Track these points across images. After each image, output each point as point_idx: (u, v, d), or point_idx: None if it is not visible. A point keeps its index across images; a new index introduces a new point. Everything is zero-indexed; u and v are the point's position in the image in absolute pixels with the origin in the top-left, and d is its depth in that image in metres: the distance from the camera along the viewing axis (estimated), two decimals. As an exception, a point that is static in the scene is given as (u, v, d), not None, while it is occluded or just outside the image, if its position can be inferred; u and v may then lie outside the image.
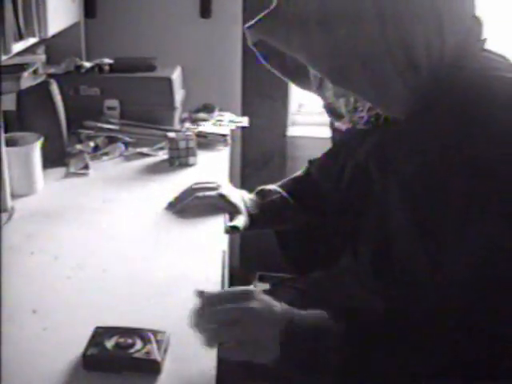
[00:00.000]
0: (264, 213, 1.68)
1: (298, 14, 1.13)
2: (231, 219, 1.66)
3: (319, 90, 1.26)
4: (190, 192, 1.75)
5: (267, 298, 1.14)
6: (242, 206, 1.67)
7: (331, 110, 1.27)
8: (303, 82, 1.34)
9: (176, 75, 2.41)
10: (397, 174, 1.19)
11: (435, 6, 1.14)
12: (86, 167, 2.06)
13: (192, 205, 1.71)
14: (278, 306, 1.14)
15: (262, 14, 1.19)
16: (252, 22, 1.21)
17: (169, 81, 2.34)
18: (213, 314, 1.12)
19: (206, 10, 2.87)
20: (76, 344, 1.16)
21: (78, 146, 2.16)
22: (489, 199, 1.05)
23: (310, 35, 1.12)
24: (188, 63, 2.68)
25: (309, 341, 1.10)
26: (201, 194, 1.72)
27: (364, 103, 1.21)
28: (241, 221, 1.61)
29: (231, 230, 1.60)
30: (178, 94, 2.42)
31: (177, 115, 2.39)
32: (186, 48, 2.87)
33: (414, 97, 1.15)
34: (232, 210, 1.67)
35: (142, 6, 2.87)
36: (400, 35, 1.11)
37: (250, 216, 1.66)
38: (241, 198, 1.70)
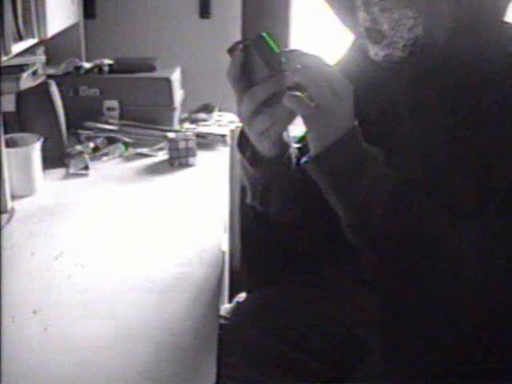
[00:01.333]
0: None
1: None
2: None
3: (366, 5, 1.25)
4: None
5: None
6: None
7: (371, 32, 1.26)
8: (346, 7, 1.34)
9: (175, 76, 2.41)
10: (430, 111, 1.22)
11: None
12: (86, 168, 2.06)
13: None
14: None
15: None
16: None
17: (168, 81, 2.34)
18: None
19: (205, 11, 2.88)
20: (77, 344, 1.16)
21: (78, 147, 2.16)
22: None
23: None
24: (187, 63, 2.68)
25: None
26: None
27: (407, 21, 1.22)
28: None
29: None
30: (178, 95, 2.42)
31: (176, 115, 2.39)
32: (186, 48, 2.88)
33: (454, 22, 1.19)
34: None
35: (141, 6, 2.87)
36: None
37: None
38: None
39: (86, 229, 1.67)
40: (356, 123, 1.14)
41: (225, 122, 2.44)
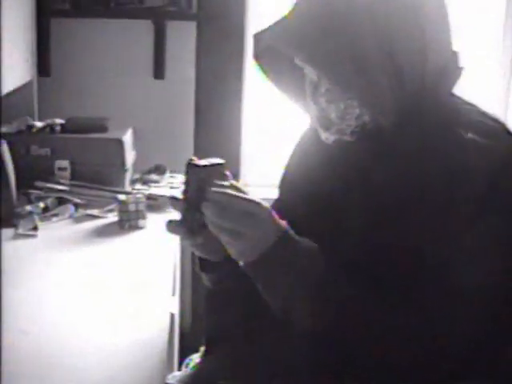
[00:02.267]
0: None
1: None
2: None
3: (313, 96, 1.31)
4: None
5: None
6: None
7: (320, 119, 1.31)
8: (297, 95, 1.40)
9: (127, 137, 2.42)
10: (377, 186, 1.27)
11: (420, 23, 1.24)
12: (35, 228, 2.04)
13: None
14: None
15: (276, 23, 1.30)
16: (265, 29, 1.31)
17: (120, 142, 2.35)
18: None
19: (159, 71, 2.90)
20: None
21: (28, 207, 2.15)
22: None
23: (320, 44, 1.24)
24: (140, 124, 2.69)
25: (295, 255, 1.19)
26: None
27: (353, 111, 1.27)
28: None
29: None
30: (129, 156, 2.43)
31: (127, 176, 2.40)
32: (139, 108, 2.89)
33: (398, 107, 1.23)
34: None
35: (96, 65, 2.88)
36: (389, 45, 1.22)
37: None
38: None
39: (33, 293, 1.65)
40: (285, 230, 1.21)
41: (176, 183, 2.45)
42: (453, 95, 1.32)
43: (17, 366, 1.33)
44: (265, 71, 1.39)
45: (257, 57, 1.37)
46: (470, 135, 1.22)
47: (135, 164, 2.52)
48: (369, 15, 1.22)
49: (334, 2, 1.24)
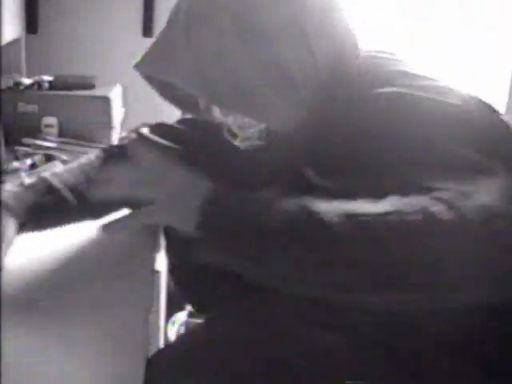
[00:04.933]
0: None
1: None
2: None
3: (208, 112, 1.30)
4: None
5: None
6: None
7: (225, 129, 1.30)
8: (194, 110, 1.39)
9: (114, 94, 2.42)
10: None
11: (298, 21, 1.18)
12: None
13: None
14: None
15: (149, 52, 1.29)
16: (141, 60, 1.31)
17: (106, 99, 2.35)
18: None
19: (148, 29, 2.89)
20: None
21: (15, 164, 2.15)
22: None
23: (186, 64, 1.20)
24: (129, 82, 2.67)
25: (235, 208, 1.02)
26: None
27: (249, 121, 1.25)
28: None
29: None
30: (117, 113, 2.42)
31: (115, 134, 2.40)
32: (128, 66, 2.86)
33: (299, 112, 1.18)
34: None
35: (84, 23, 2.87)
36: (267, 52, 1.16)
37: None
38: None
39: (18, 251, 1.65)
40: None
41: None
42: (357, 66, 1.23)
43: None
44: (160, 91, 1.41)
45: (147, 79, 1.38)
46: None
47: (124, 122, 2.51)
48: (236, 29, 1.17)
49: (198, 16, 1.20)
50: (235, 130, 1.28)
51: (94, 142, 2.33)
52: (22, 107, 2.34)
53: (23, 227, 1.46)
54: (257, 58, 1.16)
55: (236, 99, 1.17)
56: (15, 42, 2.63)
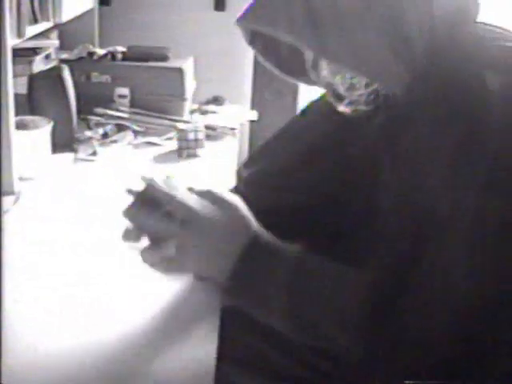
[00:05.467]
0: None
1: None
2: None
3: (315, 71, 1.23)
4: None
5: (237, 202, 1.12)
6: None
7: (330, 93, 1.24)
8: (299, 73, 1.32)
9: (188, 66, 2.41)
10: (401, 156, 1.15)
11: None
12: (94, 154, 2.06)
13: None
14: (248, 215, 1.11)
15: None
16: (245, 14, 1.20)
17: (181, 71, 2.35)
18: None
19: (220, 3, 2.88)
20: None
21: (87, 133, 2.16)
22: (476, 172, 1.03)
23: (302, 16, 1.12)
24: (200, 55, 2.68)
25: (266, 266, 1.07)
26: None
27: (360, 79, 1.19)
28: None
29: None
30: (189, 85, 2.42)
31: (187, 106, 2.40)
32: (199, 40, 2.88)
33: (409, 72, 1.13)
34: None
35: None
36: (390, 8, 1.11)
37: None
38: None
39: (92, 214, 1.67)
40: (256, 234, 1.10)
41: (234, 114, 2.44)
42: (474, 33, 1.18)
43: (65, 287, 1.36)
44: (263, 54, 1.31)
45: (250, 42, 1.28)
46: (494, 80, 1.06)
47: (194, 94, 2.51)
48: None
49: None
50: (342, 91, 1.21)
51: (165, 113, 2.33)
52: (96, 77, 2.35)
53: None
54: (378, 12, 1.11)
55: (349, 53, 1.11)
56: (89, 13, 2.65)
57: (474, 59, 1.12)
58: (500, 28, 1.20)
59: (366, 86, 1.18)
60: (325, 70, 1.21)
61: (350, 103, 1.22)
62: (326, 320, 1.07)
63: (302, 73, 1.30)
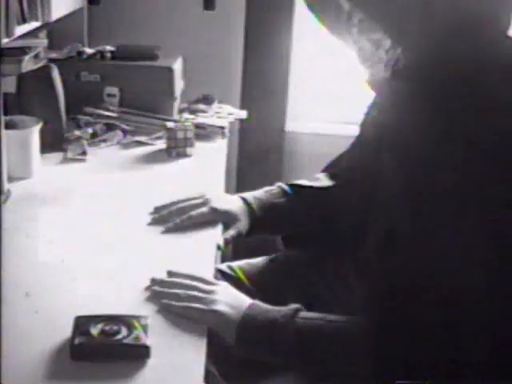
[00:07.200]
0: (267, 217, 1.67)
1: None
2: (226, 228, 1.63)
3: (347, 26, 1.31)
4: (177, 211, 1.65)
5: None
6: (238, 212, 1.63)
7: (357, 53, 1.32)
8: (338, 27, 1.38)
9: (177, 65, 2.41)
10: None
11: None
12: (84, 153, 2.06)
13: (186, 225, 1.62)
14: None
15: None
16: None
17: (170, 70, 2.35)
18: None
19: (209, 2, 2.87)
20: (66, 328, 1.17)
21: (77, 132, 2.16)
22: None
23: None
24: (189, 54, 2.67)
25: (264, 334, 1.26)
26: (194, 212, 1.63)
27: (384, 42, 1.26)
28: (228, 233, 1.59)
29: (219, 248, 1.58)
30: (179, 84, 2.42)
31: (176, 105, 2.40)
32: (188, 39, 2.87)
33: (429, 46, 1.21)
34: (228, 220, 1.63)
35: (146, -5, 2.88)
36: None
37: (254, 220, 1.65)
38: (235, 203, 1.66)
39: (81, 214, 1.67)
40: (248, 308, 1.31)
41: (224, 113, 2.44)
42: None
43: (65, 281, 1.36)
44: (310, 5, 1.40)
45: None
46: None
47: (183, 93, 2.51)
48: None
49: None
50: (367, 51, 1.29)
51: (154, 112, 2.33)
52: (85, 76, 2.35)
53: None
54: None
55: (382, 12, 1.23)
56: (78, 12, 2.64)
57: (491, 63, 1.19)
58: None
59: (388, 50, 1.26)
60: (355, 27, 1.29)
61: (372, 66, 1.30)
62: (335, 367, 1.27)
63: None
